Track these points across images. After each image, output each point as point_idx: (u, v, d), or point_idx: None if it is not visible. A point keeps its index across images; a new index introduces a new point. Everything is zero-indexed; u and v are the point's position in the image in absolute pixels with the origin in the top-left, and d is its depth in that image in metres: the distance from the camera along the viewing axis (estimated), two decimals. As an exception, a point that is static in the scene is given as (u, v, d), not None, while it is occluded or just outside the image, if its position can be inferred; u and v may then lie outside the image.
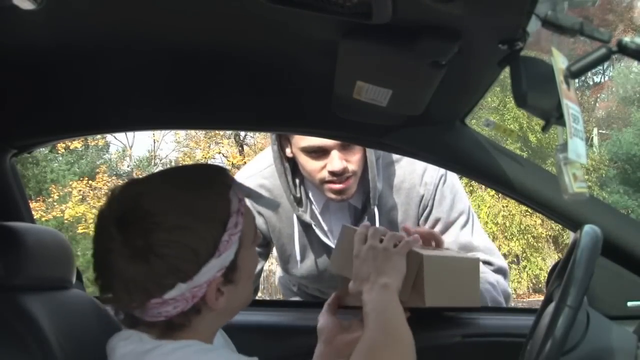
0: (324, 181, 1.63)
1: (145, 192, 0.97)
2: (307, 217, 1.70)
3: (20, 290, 1.13)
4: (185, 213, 0.95)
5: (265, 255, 1.86)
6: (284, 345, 1.48)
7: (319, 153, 1.60)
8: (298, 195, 1.71)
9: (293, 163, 1.70)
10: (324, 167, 1.61)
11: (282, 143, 1.68)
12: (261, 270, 1.84)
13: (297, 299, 1.95)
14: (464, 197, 1.74)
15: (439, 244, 1.41)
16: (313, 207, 1.73)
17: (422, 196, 1.69)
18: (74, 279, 1.27)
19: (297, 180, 1.72)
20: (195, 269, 0.93)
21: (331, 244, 1.70)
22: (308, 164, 1.63)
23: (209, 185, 1.00)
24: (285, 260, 1.78)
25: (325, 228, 1.73)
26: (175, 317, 0.96)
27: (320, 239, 1.71)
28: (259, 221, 1.73)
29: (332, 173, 1.61)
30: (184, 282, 0.93)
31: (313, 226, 1.70)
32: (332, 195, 1.65)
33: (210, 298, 0.96)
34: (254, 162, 1.82)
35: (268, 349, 1.27)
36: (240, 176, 1.79)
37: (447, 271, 1.43)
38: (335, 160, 1.59)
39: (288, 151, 1.68)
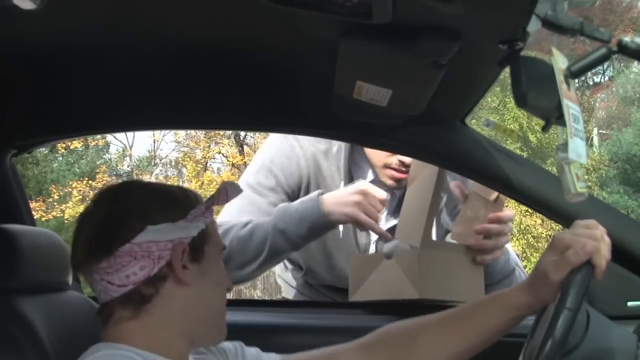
0: (388, 166, 1.66)
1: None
2: None
3: (16, 293, 1.12)
4: (160, 187, 1.08)
5: None
6: (284, 345, 1.48)
7: None
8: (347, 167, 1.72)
9: None
10: (394, 154, 1.63)
11: None
12: None
13: (297, 297, 1.95)
14: None
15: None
16: (355, 181, 1.73)
17: (457, 206, 1.69)
18: (70, 281, 1.27)
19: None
20: (163, 219, 1.00)
21: None
22: None
23: (185, 188, 1.11)
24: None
25: None
26: (143, 286, 0.98)
27: None
28: (295, 178, 1.72)
29: (402, 163, 1.64)
30: (153, 224, 0.98)
31: None
32: (389, 182, 1.68)
33: (177, 263, 0.99)
34: None
35: (268, 349, 1.27)
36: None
37: (444, 265, 1.45)
38: None
39: None
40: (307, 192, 1.74)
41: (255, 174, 1.75)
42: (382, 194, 1.58)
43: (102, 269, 0.99)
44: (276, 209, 1.65)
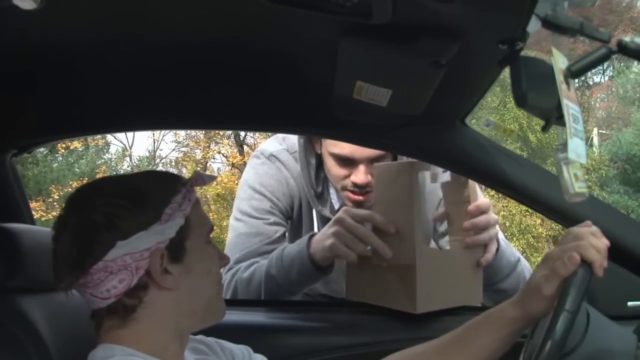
0: (345, 189, 1.64)
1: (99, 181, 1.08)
2: (327, 212, 1.70)
3: (17, 292, 1.12)
4: (132, 185, 1.01)
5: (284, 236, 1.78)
6: (284, 345, 1.48)
7: (347, 162, 1.61)
8: (319, 190, 1.71)
9: (319, 158, 1.71)
10: (348, 175, 1.62)
11: (311, 137, 1.68)
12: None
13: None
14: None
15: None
16: (332, 202, 1.73)
17: (441, 200, 1.69)
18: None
19: (322, 174, 1.72)
20: (134, 229, 0.96)
21: None
22: (334, 169, 1.64)
23: (161, 175, 1.06)
24: None
25: None
26: (125, 297, 0.97)
27: None
28: (287, 199, 1.71)
29: (355, 184, 1.62)
30: (122, 239, 0.95)
31: None
32: (349, 204, 1.67)
33: (155, 271, 0.97)
34: (277, 140, 1.79)
35: (268, 349, 1.27)
36: (266, 149, 1.77)
37: (442, 273, 1.44)
38: (361, 174, 1.60)
39: (317, 147, 1.69)
40: (300, 212, 1.74)
41: (249, 200, 1.72)
42: (362, 213, 1.48)
43: (81, 284, 0.98)
44: (275, 251, 1.60)
